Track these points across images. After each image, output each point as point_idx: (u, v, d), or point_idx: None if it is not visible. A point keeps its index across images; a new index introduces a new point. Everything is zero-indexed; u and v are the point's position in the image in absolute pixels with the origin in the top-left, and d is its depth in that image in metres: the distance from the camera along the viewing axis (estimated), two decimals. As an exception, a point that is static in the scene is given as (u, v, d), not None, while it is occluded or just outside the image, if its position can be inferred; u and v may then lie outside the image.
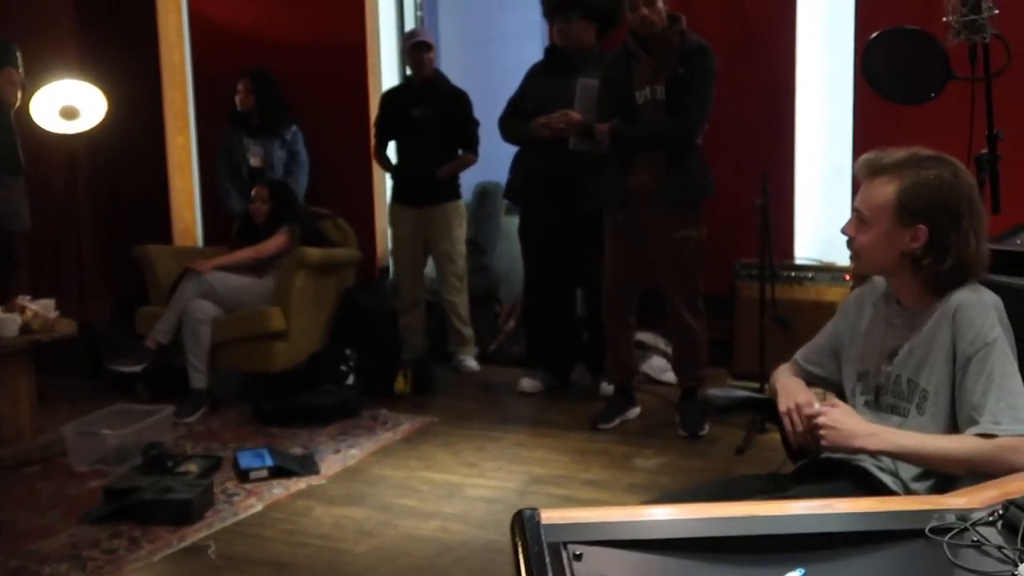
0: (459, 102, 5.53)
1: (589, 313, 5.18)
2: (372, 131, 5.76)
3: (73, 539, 3.51)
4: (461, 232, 5.62)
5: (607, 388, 4.93)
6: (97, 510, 3.69)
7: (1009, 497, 1.55)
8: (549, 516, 1.47)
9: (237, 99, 5.74)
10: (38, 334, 4.38)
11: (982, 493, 1.64)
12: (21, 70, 5.37)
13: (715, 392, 2.75)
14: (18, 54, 5.36)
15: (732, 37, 5.11)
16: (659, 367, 5.22)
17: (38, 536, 3.53)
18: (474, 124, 5.53)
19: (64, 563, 3.31)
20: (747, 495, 2.23)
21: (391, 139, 5.67)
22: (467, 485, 3.98)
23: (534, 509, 1.48)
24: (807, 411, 2.20)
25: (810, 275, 4.85)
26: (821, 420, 2.11)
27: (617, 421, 4.63)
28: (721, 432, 4.40)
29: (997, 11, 3.17)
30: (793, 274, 4.88)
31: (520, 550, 1.40)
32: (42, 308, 4.47)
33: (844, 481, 2.20)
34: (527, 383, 5.18)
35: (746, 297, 4.87)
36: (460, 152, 5.54)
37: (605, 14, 4.96)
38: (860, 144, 4.91)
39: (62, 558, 3.35)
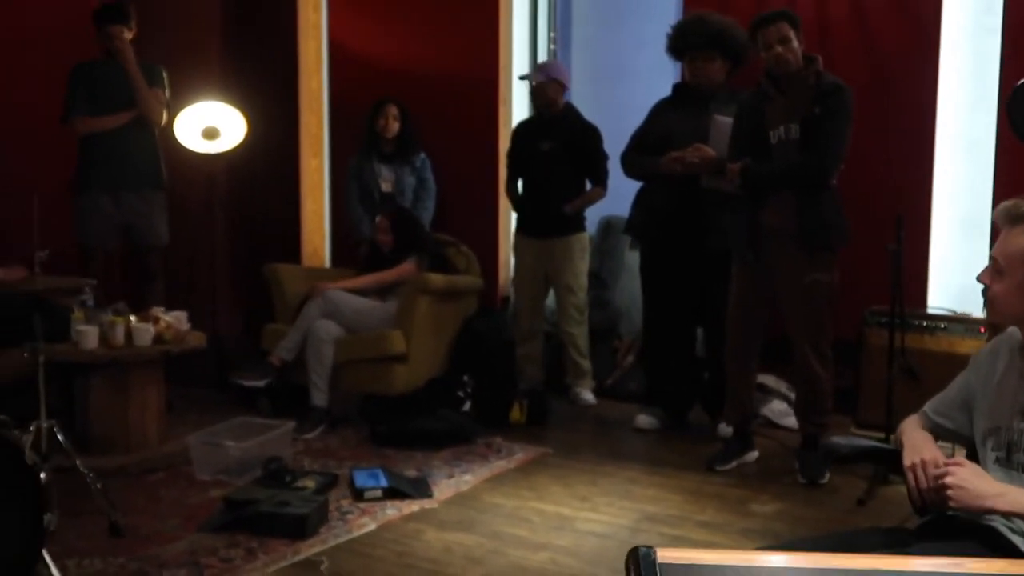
0: (588, 135, 5.54)
1: (709, 353, 5.11)
2: (504, 164, 5.84)
3: (192, 546, 3.59)
4: (584, 264, 5.62)
5: (724, 429, 4.84)
6: (216, 519, 3.78)
7: None
8: (665, 555, 1.44)
9: (379, 124, 5.85)
10: (170, 345, 4.53)
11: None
12: (167, 91, 5.61)
13: (839, 440, 2.67)
14: (164, 76, 5.60)
15: (869, 77, 5.02)
16: (780, 411, 5.12)
17: (158, 541, 3.63)
18: (603, 158, 5.53)
19: (183, 569, 3.39)
20: (867, 549, 2.16)
21: (520, 172, 5.71)
22: (578, 519, 3.95)
23: (650, 547, 1.45)
24: (933, 471, 2.13)
25: (943, 325, 4.69)
26: (948, 480, 2.03)
27: (734, 464, 4.54)
28: (842, 482, 4.27)
29: None
30: (925, 323, 4.72)
31: (635, 588, 1.37)
32: (175, 320, 4.62)
33: (971, 541, 2.11)
34: (643, 420, 5.13)
35: (874, 345, 4.73)
36: (589, 186, 5.56)
37: (740, 53, 4.94)
38: (1000, 191, 4.75)
39: (181, 564, 3.43)
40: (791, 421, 4.95)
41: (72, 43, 5.77)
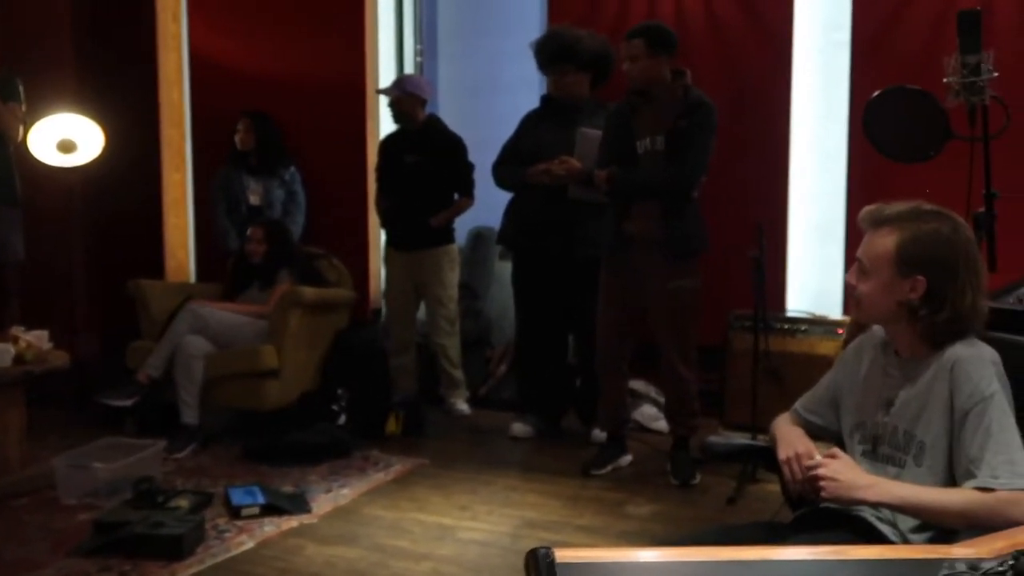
0: (452, 147, 5.57)
1: (581, 360, 5.21)
2: (373, 178, 5.83)
3: (62, 572, 3.47)
4: (453, 276, 5.64)
5: (599, 435, 4.94)
6: (87, 543, 3.66)
7: (1018, 547, 1.57)
8: (563, 555, 1.47)
9: (237, 138, 5.82)
10: (31, 365, 4.37)
11: (991, 544, 1.66)
12: (23, 105, 5.41)
13: (715, 439, 2.78)
14: (20, 88, 5.40)
15: (729, 93, 5.19)
16: (650, 415, 5.24)
17: (25, 568, 3.50)
18: (468, 168, 5.56)
19: (54, 596, 3.29)
20: (749, 543, 2.25)
21: (387, 186, 5.68)
22: (460, 528, 3.98)
23: (548, 548, 1.48)
24: (807, 462, 2.22)
25: (803, 328, 4.90)
26: (821, 471, 2.12)
27: (609, 468, 4.64)
28: (712, 482, 4.41)
29: (996, 73, 3.25)
30: (786, 326, 4.92)
31: (535, 589, 1.40)
32: (36, 339, 4.47)
33: (843, 532, 2.21)
34: (518, 428, 5.19)
35: (739, 348, 4.90)
36: (456, 197, 5.58)
37: (597, 65, 5.06)
38: (853, 199, 4.99)
39: (52, 591, 3.32)
40: (661, 424, 5.08)
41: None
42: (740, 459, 3.49)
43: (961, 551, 1.64)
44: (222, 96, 6.32)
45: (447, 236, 5.64)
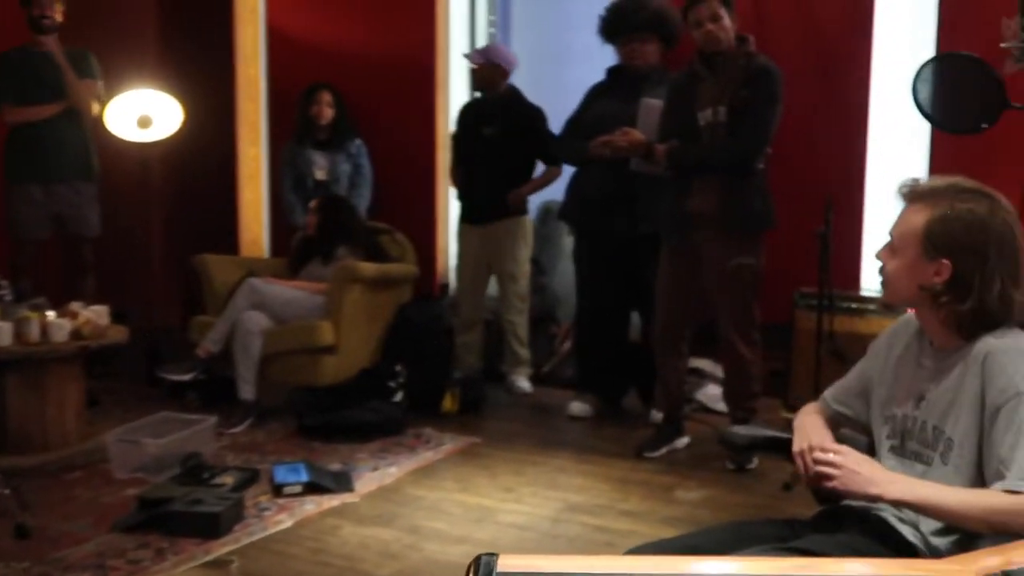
0: (532, 118, 5.45)
1: (644, 338, 5.06)
2: (442, 148, 5.75)
3: (100, 547, 3.50)
4: (526, 251, 5.54)
5: (657, 416, 4.79)
6: (128, 519, 3.69)
7: (1008, 568, 1.41)
8: (507, 564, 1.39)
9: (314, 111, 5.75)
10: (88, 340, 4.42)
11: (980, 561, 1.49)
12: (100, 82, 5.48)
13: (738, 429, 2.63)
14: (95, 64, 5.47)
15: (804, 59, 4.96)
16: (715, 396, 5.07)
17: (66, 543, 3.53)
18: (551, 137, 5.40)
19: (87, 572, 3.29)
20: (758, 541, 2.11)
21: (463, 158, 5.60)
22: (501, 510, 3.89)
23: (492, 555, 1.40)
24: (816, 454, 2.06)
25: (872, 307, 4.65)
26: (837, 460, 1.97)
27: (664, 450, 4.49)
28: (771, 467, 4.23)
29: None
30: (855, 306, 4.68)
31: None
32: (95, 314, 4.51)
33: (859, 531, 2.06)
34: (576, 407, 5.08)
35: (805, 328, 4.69)
36: (538, 171, 5.47)
37: (672, 34, 4.89)
38: (936, 171, 4.70)
39: (86, 567, 3.33)
40: (724, 406, 4.90)
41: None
42: (762, 451, 3.31)
43: (944, 567, 1.49)
44: (296, 70, 6.30)
45: (521, 208, 5.52)
